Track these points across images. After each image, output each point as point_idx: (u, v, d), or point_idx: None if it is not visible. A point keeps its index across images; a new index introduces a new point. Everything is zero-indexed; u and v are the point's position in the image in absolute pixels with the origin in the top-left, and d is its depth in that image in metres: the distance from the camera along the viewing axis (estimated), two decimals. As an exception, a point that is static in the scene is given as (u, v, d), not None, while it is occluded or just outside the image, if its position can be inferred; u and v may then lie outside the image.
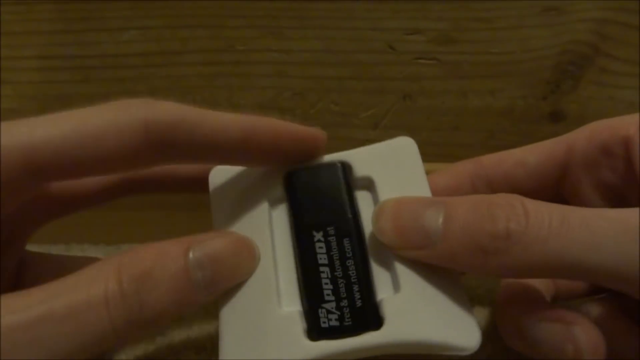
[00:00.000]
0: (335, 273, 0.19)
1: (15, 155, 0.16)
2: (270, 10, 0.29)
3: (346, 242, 0.19)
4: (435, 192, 0.21)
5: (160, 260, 0.17)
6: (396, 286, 0.19)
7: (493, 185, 0.23)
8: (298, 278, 0.19)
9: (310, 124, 0.31)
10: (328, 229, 0.19)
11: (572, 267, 0.17)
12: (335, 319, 0.18)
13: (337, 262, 0.19)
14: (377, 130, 0.32)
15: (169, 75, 0.30)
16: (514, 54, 0.30)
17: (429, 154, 0.33)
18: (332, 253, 0.19)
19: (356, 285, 0.19)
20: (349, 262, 0.19)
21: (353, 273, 0.19)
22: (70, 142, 0.17)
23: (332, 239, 0.19)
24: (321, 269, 0.19)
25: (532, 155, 0.23)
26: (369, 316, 0.18)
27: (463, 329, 0.18)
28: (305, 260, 0.19)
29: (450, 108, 0.32)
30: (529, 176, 0.23)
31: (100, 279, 0.17)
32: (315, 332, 0.18)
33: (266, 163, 0.21)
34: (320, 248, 0.19)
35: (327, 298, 0.19)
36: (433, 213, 0.18)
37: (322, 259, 0.19)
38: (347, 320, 0.18)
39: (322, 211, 0.20)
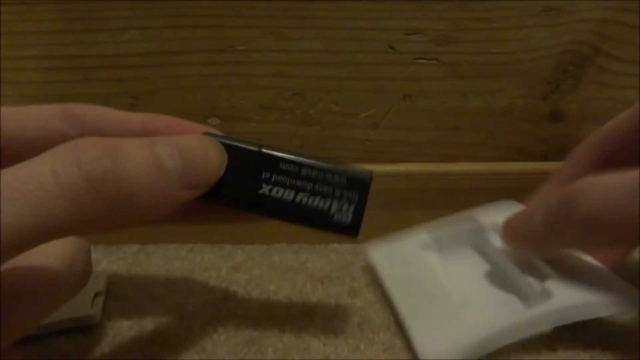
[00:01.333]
0: None
1: None
2: (270, 10, 0.29)
3: None
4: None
5: (131, 147, 0.17)
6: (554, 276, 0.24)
7: None
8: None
9: (310, 124, 0.32)
10: None
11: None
12: None
13: None
14: (377, 130, 0.32)
15: (169, 75, 0.30)
16: (514, 54, 0.30)
17: (429, 154, 0.33)
18: None
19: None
20: None
21: None
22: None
23: None
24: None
25: None
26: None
27: (618, 289, 0.23)
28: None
29: (450, 108, 0.32)
30: None
31: (49, 156, 0.16)
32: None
33: None
34: None
35: None
36: (545, 213, 0.24)
37: None
38: None
39: None
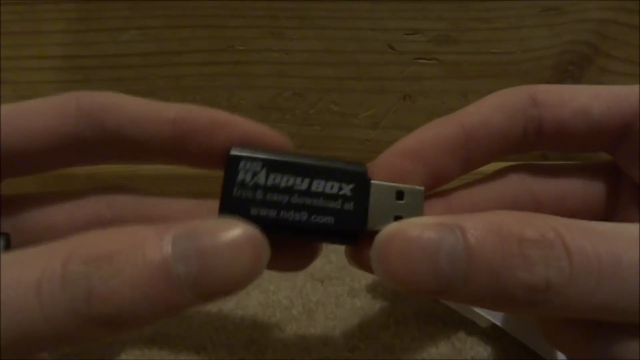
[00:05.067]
0: None
1: None
2: (270, 10, 0.29)
3: None
4: (486, 135, 0.18)
5: (129, 244, 0.14)
6: None
7: (542, 132, 0.19)
8: None
9: (310, 124, 0.32)
10: None
11: (619, 315, 0.14)
12: None
13: None
14: (377, 130, 0.32)
15: (169, 75, 0.30)
16: (514, 54, 0.30)
17: (429, 154, 0.33)
18: None
19: None
20: None
21: None
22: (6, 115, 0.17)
23: None
24: None
25: (598, 103, 0.18)
26: None
27: None
28: None
29: (450, 108, 0.32)
30: (588, 130, 0.19)
31: (43, 257, 0.14)
32: None
33: (205, 161, 0.18)
34: None
35: None
36: (451, 251, 0.15)
37: None
38: None
39: None
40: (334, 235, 0.17)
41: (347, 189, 0.17)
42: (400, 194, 0.18)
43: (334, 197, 0.17)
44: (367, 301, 0.27)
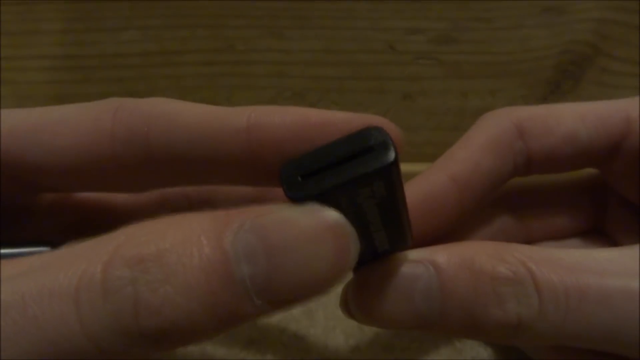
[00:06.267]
0: None
1: None
2: (270, 10, 0.29)
3: None
4: (479, 179, 0.18)
5: (181, 238, 0.11)
6: None
7: (532, 163, 0.19)
8: None
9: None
10: None
11: (590, 343, 0.15)
12: None
13: None
14: (377, 130, 0.32)
15: (169, 75, 0.30)
16: (514, 54, 0.30)
17: (429, 154, 0.33)
18: None
19: None
20: None
21: None
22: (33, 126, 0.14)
23: None
24: None
25: (585, 127, 0.18)
26: None
27: None
28: None
29: (450, 108, 0.32)
30: (576, 153, 0.18)
31: (84, 258, 0.11)
32: None
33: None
34: None
35: None
36: (425, 290, 0.14)
37: None
38: None
39: None
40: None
41: None
42: None
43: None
44: (367, 301, 0.27)
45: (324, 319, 0.26)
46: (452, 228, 0.18)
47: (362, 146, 0.12)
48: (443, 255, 0.15)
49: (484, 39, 0.30)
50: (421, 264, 0.15)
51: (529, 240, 0.21)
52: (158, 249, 0.11)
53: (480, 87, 0.31)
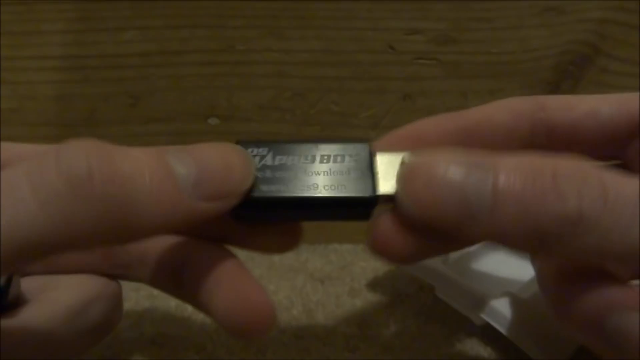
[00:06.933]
0: None
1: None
2: (270, 10, 0.29)
3: None
4: (489, 130, 0.18)
5: (131, 148, 0.15)
6: None
7: (553, 135, 0.19)
8: None
9: (310, 124, 0.32)
10: None
11: None
12: None
13: None
14: (377, 130, 0.32)
15: (169, 75, 0.30)
16: (514, 54, 0.30)
17: (429, 154, 0.33)
18: None
19: None
20: None
21: None
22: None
23: None
24: None
25: (606, 104, 0.18)
26: None
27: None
28: None
29: (450, 108, 0.31)
30: (598, 130, 0.18)
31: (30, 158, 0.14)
32: None
33: None
34: None
35: None
36: (479, 178, 0.14)
37: None
38: None
39: None
40: (346, 205, 0.17)
41: (352, 161, 0.17)
42: None
43: (340, 170, 0.17)
44: (367, 301, 0.27)
45: (324, 319, 0.26)
46: None
47: None
48: (500, 156, 0.15)
49: (484, 39, 0.30)
50: (480, 159, 0.15)
51: None
52: (117, 146, 0.14)
53: (480, 87, 0.31)
